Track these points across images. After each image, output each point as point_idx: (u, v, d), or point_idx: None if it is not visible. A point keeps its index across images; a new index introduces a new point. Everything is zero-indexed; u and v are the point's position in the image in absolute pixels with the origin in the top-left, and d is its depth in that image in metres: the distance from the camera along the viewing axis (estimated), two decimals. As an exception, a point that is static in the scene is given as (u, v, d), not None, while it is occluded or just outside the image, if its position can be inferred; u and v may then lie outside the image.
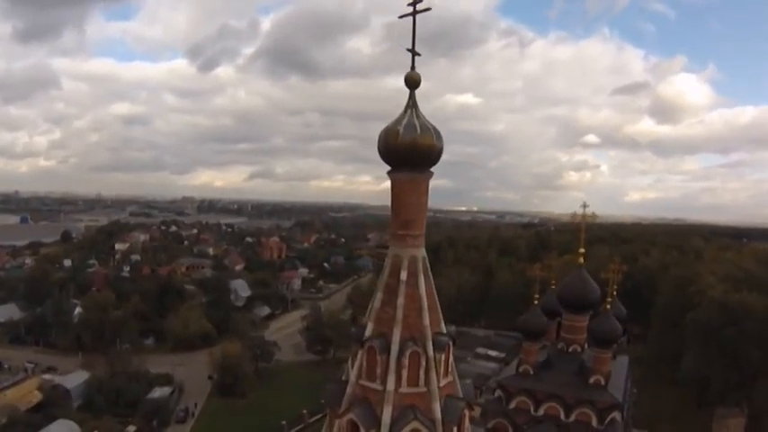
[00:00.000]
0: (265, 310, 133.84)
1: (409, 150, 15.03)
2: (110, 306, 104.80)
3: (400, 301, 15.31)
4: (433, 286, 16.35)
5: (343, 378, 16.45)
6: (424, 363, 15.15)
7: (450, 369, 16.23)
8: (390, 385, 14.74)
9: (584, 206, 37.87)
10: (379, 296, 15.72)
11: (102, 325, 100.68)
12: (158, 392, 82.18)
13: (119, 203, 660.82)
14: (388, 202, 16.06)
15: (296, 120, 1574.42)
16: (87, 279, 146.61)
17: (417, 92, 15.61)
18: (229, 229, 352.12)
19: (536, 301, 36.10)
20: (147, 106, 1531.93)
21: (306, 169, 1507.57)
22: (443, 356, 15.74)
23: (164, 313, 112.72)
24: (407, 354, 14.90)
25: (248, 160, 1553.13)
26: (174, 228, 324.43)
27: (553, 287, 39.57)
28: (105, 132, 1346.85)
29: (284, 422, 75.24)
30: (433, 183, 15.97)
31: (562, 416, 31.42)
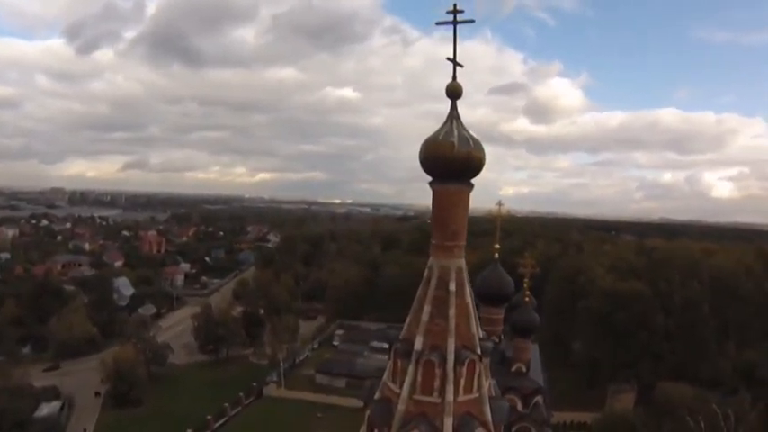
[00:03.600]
0: (151, 309, 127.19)
1: (464, 163, 15.11)
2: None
3: (452, 312, 15.36)
4: (472, 293, 16.41)
5: (377, 397, 16.22)
6: (478, 369, 15.40)
7: (488, 372, 16.53)
8: (450, 396, 14.78)
9: (500, 204, 39.05)
10: (427, 309, 15.55)
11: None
12: (46, 409, 75.44)
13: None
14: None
15: (174, 108, 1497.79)
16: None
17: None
18: (104, 223, 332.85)
19: None
20: (17, 88, 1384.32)
21: (181, 160, 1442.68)
22: (488, 360, 16.09)
23: (43, 317, 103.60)
24: (465, 363, 15.05)
25: (123, 150, 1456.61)
26: (45, 222, 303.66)
27: None
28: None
29: (189, 430, 72.03)
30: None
31: (490, 403, 32.86)
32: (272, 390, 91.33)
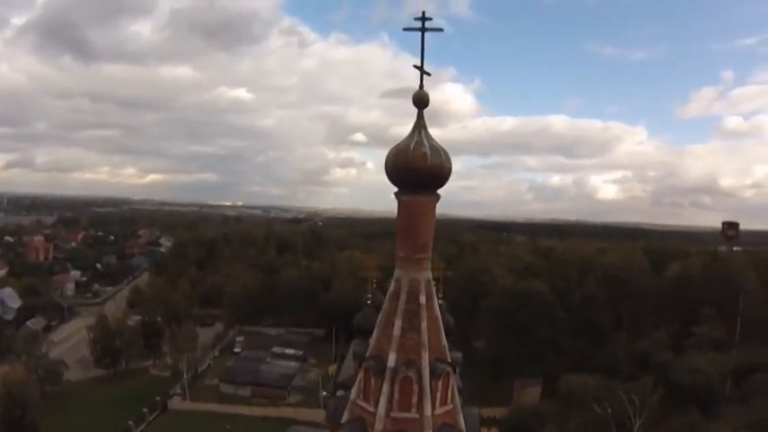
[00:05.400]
0: (41, 322, 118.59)
1: (436, 174, 14.89)
2: None
3: (424, 325, 15.07)
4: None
5: (347, 418, 15.64)
6: (452, 381, 15.36)
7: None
8: (428, 411, 14.56)
9: None
10: (398, 324, 15.14)
11: None
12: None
13: None
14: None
15: (63, 104, 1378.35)
16: None
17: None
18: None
19: (369, 302, 36.35)
20: None
21: (69, 159, 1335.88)
22: (458, 370, 16.08)
23: None
24: (441, 376, 14.92)
25: (5, 147, 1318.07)
26: None
27: (374, 285, 40.09)
28: None
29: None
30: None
31: (411, 405, 33.10)
32: (176, 403, 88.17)
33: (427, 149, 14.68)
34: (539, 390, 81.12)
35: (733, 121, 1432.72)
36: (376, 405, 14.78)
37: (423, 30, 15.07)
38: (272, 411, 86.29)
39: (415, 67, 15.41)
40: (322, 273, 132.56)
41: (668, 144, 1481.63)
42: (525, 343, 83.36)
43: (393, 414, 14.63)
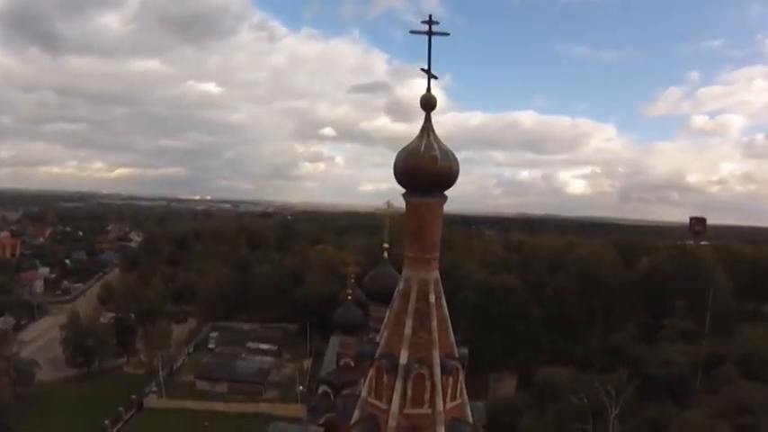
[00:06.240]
0: (9, 321, 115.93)
1: (446, 176, 15.25)
2: None
3: (434, 324, 15.49)
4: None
5: (358, 416, 15.95)
6: (461, 377, 15.89)
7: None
8: (440, 406, 14.99)
9: (389, 204, 39.43)
10: (409, 323, 15.51)
11: None
12: None
13: None
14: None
15: (30, 97, 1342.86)
16: None
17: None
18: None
19: (349, 297, 36.55)
20: None
21: (35, 153, 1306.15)
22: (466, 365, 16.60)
23: None
24: (451, 372, 15.37)
25: None
26: None
27: (353, 280, 40.42)
28: None
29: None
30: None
31: (389, 402, 33.16)
32: (152, 401, 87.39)
33: (437, 152, 15.02)
34: (514, 383, 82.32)
35: (699, 120, 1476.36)
36: (389, 402, 15.12)
37: (429, 33, 15.37)
38: (249, 407, 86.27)
39: (423, 70, 15.71)
40: (294, 267, 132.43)
41: (636, 141, 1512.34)
42: (500, 337, 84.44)
43: (406, 410, 14.99)
